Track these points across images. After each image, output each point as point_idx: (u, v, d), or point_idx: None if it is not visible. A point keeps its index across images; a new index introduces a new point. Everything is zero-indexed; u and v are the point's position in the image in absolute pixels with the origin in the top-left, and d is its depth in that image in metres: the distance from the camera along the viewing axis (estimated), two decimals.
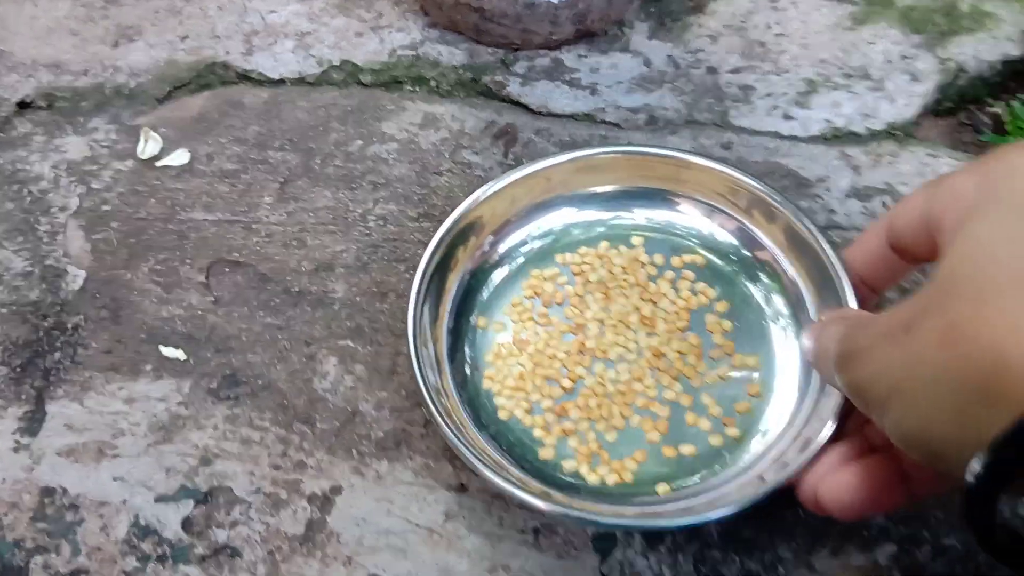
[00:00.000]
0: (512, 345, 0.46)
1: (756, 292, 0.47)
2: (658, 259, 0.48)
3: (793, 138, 0.55)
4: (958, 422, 0.26)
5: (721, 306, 0.47)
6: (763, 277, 0.47)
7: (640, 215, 0.49)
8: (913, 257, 0.36)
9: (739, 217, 0.47)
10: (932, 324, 0.26)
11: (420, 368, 0.41)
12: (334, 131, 0.56)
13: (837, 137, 0.55)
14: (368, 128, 0.56)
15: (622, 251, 0.48)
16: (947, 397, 0.26)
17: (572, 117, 0.56)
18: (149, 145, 0.55)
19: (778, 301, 0.46)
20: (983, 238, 0.27)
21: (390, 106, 0.57)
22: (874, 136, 0.55)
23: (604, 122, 0.56)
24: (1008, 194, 0.27)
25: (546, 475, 0.42)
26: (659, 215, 0.49)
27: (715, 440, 0.43)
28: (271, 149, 0.55)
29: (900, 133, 0.56)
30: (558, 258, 0.48)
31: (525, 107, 0.57)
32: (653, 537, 0.41)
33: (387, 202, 0.53)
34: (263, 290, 0.50)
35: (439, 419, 0.40)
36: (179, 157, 0.55)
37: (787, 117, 0.55)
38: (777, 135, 0.55)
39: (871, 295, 0.41)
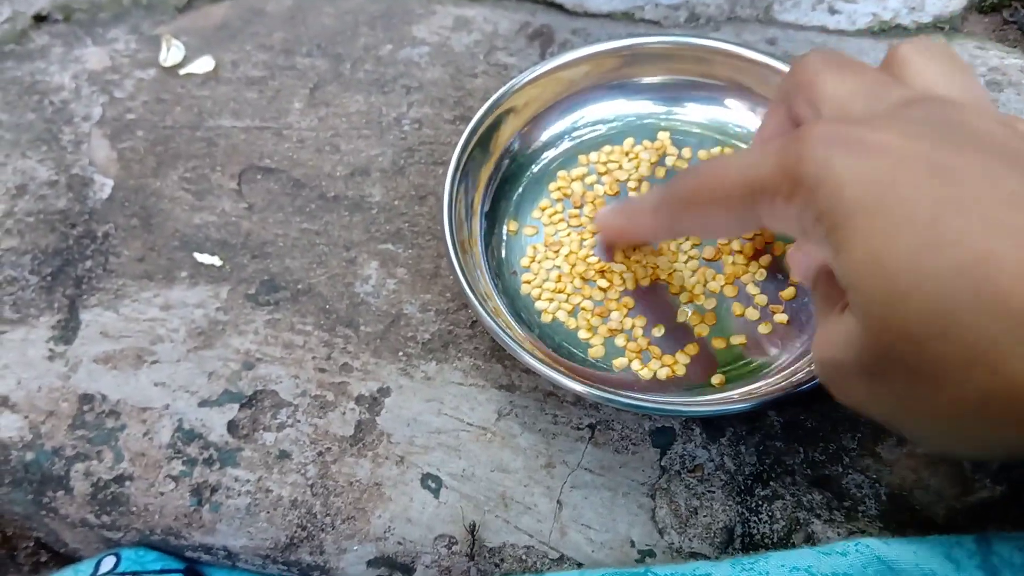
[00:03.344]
0: (545, 248, 0.44)
1: None
2: (686, 153, 0.47)
3: (840, 32, 0.53)
4: (984, 445, 0.25)
5: None
6: None
7: (677, 108, 0.48)
8: None
9: None
10: (896, 372, 0.25)
11: (463, 269, 0.40)
12: (363, 36, 0.54)
13: (884, 31, 0.53)
14: (398, 32, 0.54)
15: (647, 146, 0.47)
16: (950, 430, 0.25)
17: (609, 16, 0.54)
18: (172, 52, 0.53)
19: None
20: (876, 272, 0.24)
21: (419, 10, 0.55)
22: (921, 29, 0.53)
23: (643, 20, 0.54)
24: (861, 218, 0.25)
25: (597, 373, 0.41)
26: (701, 110, 0.48)
27: (764, 328, 0.42)
28: (298, 55, 0.53)
29: (947, 27, 0.54)
30: (582, 158, 0.47)
31: (560, 7, 0.54)
32: (713, 429, 0.40)
33: (421, 105, 0.51)
34: (297, 196, 0.48)
35: (486, 317, 0.38)
36: (203, 64, 0.53)
37: (833, 11, 0.53)
38: (823, 29, 0.53)
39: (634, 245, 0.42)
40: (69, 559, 0.44)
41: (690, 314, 0.42)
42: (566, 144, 0.47)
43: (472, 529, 0.38)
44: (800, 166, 0.26)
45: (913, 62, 0.29)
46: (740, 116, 0.47)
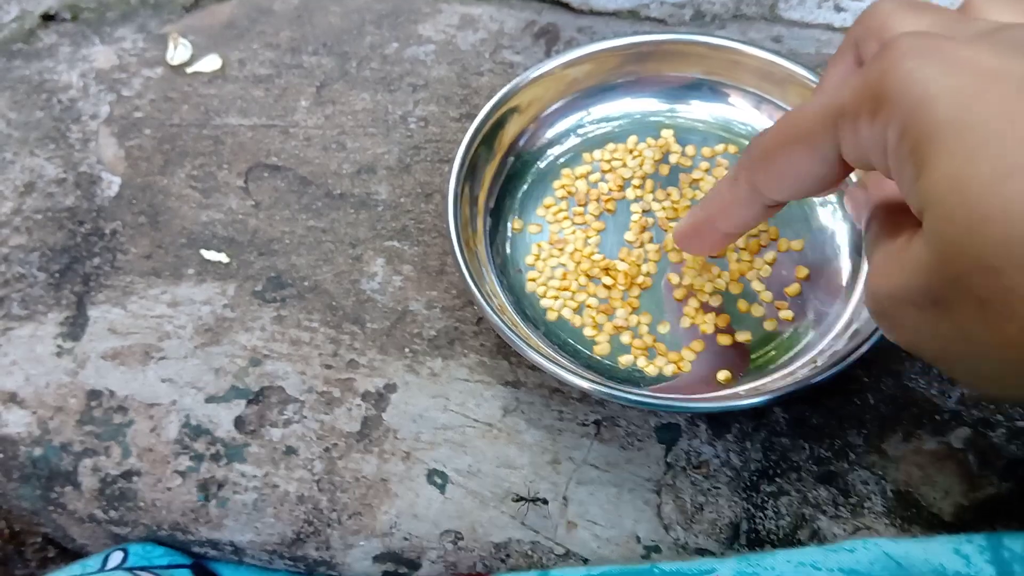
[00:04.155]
0: (550, 246, 0.44)
1: None
2: (689, 150, 0.47)
3: (845, 30, 0.53)
4: None
5: None
6: None
7: (681, 106, 0.48)
8: None
9: (788, 107, 0.46)
10: (964, 302, 0.24)
11: (468, 266, 0.40)
12: (369, 34, 0.54)
13: None
14: (404, 31, 0.54)
15: (651, 144, 0.47)
16: (1014, 367, 0.24)
17: (615, 14, 0.54)
18: (179, 51, 0.53)
19: None
20: (958, 194, 0.23)
21: (425, 8, 0.55)
22: None
23: (649, 18, 0.54)
24: (949, 134, 0.23)
25: (602, 369, 0.41)
26: (705, 108, 0.48)
27: (769, 325, 0.42)
28: (305, 54, 0.54)
29: None
30: (586, 156, 0.47)
31: (566, 5, 0.55)
32: (719, 426, 0.40)
33: (427, 103, 0.51)
34: (304, 193, 0.48)
35: (491, 314, 0.38)
36: (210, 63, 0.53)
37: (839, 8, 0.53)
38: (829, 27, 0.53)
39: (735, 239, 0.39)
40: (76, 555, 0.44)
41: (695, 311, 0.42)
42: (571, 142, 0.47)
43: (528, 498, 0.38)
44: (886, 79, 0.25)
45: (989, 5, 0.28)
46: (745, 114, 0.47)
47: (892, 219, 0.29)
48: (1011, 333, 0.23)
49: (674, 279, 0.43)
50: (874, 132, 0.26)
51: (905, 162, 0.25)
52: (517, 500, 0.39)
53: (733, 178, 0.34)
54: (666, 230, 0.44)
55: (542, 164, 0.47)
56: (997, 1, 0.28)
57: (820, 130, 0.28)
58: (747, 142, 0.46)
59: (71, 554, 0.45)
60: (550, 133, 0.47)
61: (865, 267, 0.42)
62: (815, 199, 0.44)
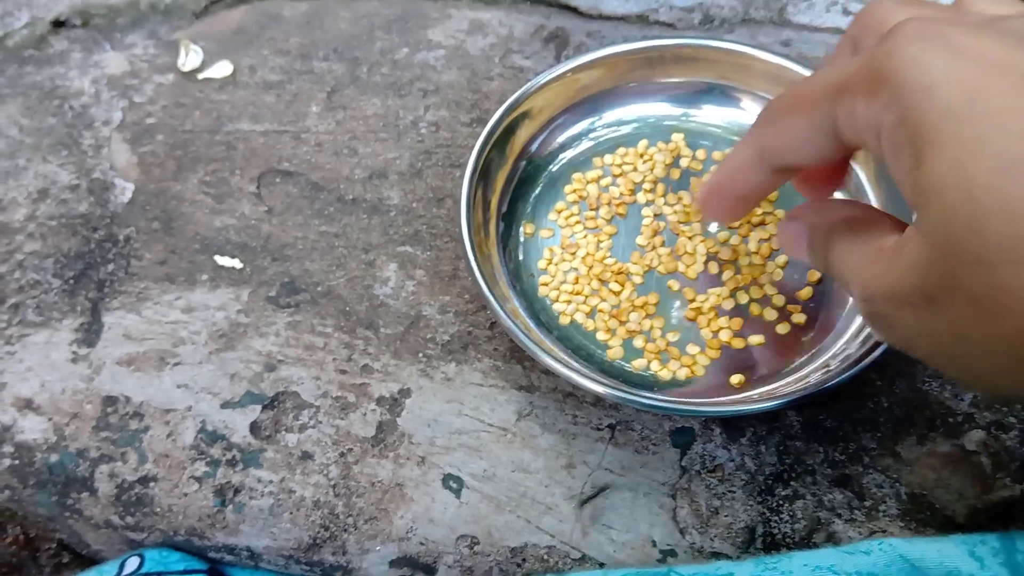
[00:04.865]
0: (562, 250, 0.44)
1: None
2: (700, 154, 0.47)
3: None
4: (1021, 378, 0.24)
5: (771, 195, 0.45)
6: None
7: (693, 110, 0.48)
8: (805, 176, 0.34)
9: None
10: (958, 299, 0.23)
11: (481, 271, 0.40)
12: (379, 40, 0.54)
13: None
14: (414, 36, 0.54)
15: (662, 148, 0.47)
16: (1006, 366, 0.24)
17: (624, 19, 0.54)
18: (190, 57, 0.53)
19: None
20: (958, 187, 0.23)
21: (434, 14, 0.55)
22: None
23: (658, 22, 0.54)
24: (950, 125, 0.23)
25: (616, 374, 0.41)
26: (716, 112, 0.48)
27: (782, 328, 0.42)
28: (315, 59, 0.54)
29: None
30: (596, 161, 0.47)
31: (575, 10, 0.55)
32: (733, 429, 0.40)
33: (438, 108, 0.51)
34: (316, 199, 0.48)
35: (504, 318, 0.39)
36: (221, 69, 0.53)
37: (847, 12, 0.54)
38: (838, 31, 0.53)
39: (752, 204, 0.38)
40: (91, 560, 0.45)
41: (708, 315, 0.42)
42: (583, 146, 0.47)
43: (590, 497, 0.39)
44: (888, 61, 0.24)
45: (982, 2, 0.28)
46: (755, 117, 0.47)
47: (863, 227, 0.29)
48: (1004, 332, 0.23)
49: (674, 286, 0.43)
50: (870, 112, 0.26)
51: (903, 149, 0.24)
52: (583, 503, 0.39)
53: (744, 141, 0.34)
54: (678, 234, 0.45)
55: (554, 169, 0.47)
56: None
57: (821, 100, 0.28)
58: None
59: (86, 560, 0.45)
60: (561, 138, 0.47)
61: None
62: None
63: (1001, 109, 0.22)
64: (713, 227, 0.45)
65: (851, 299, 0.42)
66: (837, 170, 0.35)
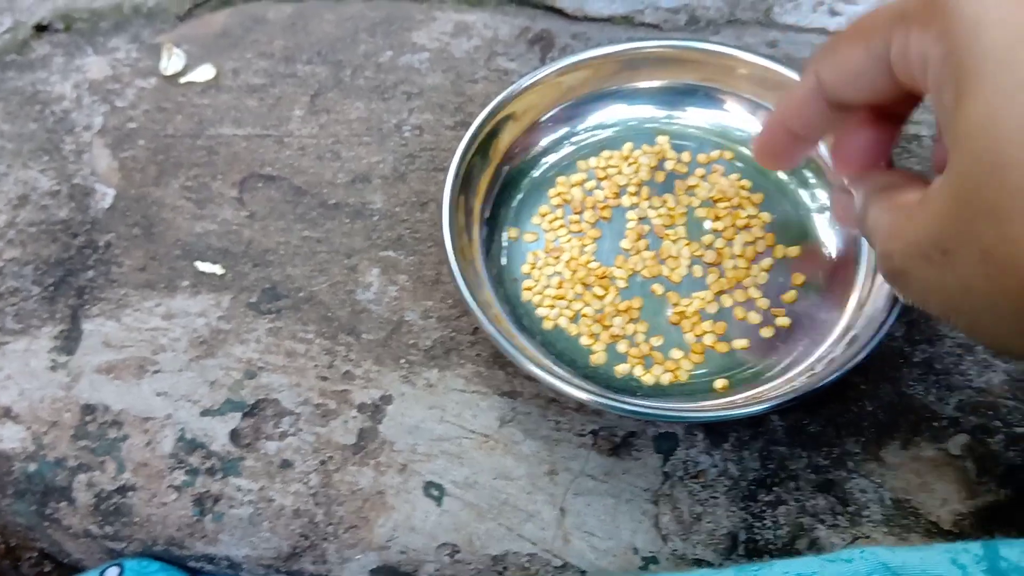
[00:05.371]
0: (546, 254, 0.44)
1: (792, 184, 0.45)
2: (685, 157, 0.46)
3: None
4: None
5: (756, 198, 0.45)
6: (805, 170, 0.45)
7: (677, 112, 0.48)
8: (860, 109, 0.33)
9: None
10: (969, 251, 0.24)
11: (463, 276, 0.40)
12: (363, 43, 0.54)
13: None
14: (398, 39, 0.54)
15: (647, 150, 0.47)
16: (1009, 319, 0.24)
17: (609, 20, 0.54)
18: (172, 61, 0.53)
19: (822, 194, 0.44)
20: (987, 134, 0.22)
21: (419, 16, 0.55)
22: None
23: (643, 24, 0.54)
24: (992, 68, 0.23)
25: (599, 379, 0.41)
26: (701, 114, 0.47)
27: (766, 332, 0.41)
28: (299, 63, 0.53)
29: None
30: (581, 164, 0.47)
31: (560, 12, 0.54)
32: (716, 435, 0.40)
33: (422, 111, 0.51)
34: (299, 203, 0.48)
35: (487, 324, 0.38)
36: (204, 72, 0.53)
37: (833, 13, 0.53)
38: (824, 31, 0.52)
39: (808, 146, 0.37)
40: (73, 569, 0.44)
41: (692, 319, 0.42)
42: (566, 149, 0.47)
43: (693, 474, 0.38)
44: None
45: None
46: (741, 119, 0.47)
47: (896, 190, 0.29)
48: (1009, 284, 0.23)
49: (658, 290, 0.43)
50: (922, 43, 0.25)
51: (946, 85, 0.24)
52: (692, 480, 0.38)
53: (804, 73, 0.33)
54: (662, 237, 0.44)
55: (536, 173, 0.47)
56: None
57: (880, 28, 0.27)
58: (743, 148, 0.46)
59: (67, 568, 0.45)
60: (545, 141, 0.47)
61: (862, 272, 0.41)
62: (811, 208, 0.44)
63: None
64: (707, 224, 0.44)
65: (834, 302, 0.42)
66: (883, 142, 0.34)
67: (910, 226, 0.26)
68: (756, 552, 0.37)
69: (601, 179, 0.46)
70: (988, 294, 0.24)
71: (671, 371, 0.41)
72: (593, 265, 0.44)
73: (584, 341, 0.42)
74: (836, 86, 0.31)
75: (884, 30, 0.27)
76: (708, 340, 0.42)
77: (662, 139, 0.47)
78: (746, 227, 0.44)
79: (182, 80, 0.53)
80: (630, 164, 0.46)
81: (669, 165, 0.46)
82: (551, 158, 0.47)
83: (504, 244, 0.45)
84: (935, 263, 0.25)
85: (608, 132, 0.47)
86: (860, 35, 0.29)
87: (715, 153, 0.46)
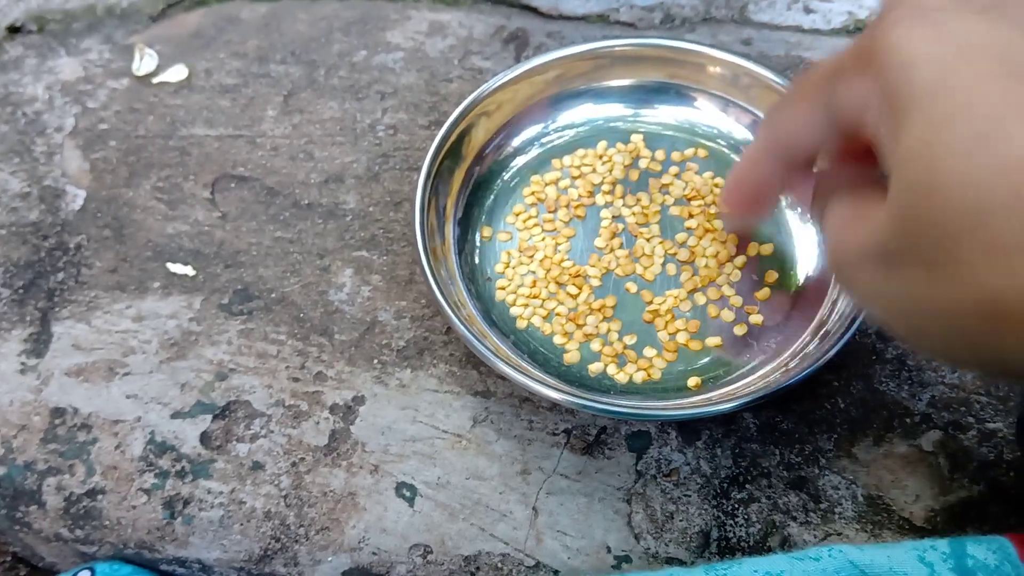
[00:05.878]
0: (519, 253, 0.44)
1: None
2: (659, 155, 0.46)
3: (815, 32, 0.53)
4: (973, 351, 0.25)
5: None
6: None
7: (647, 111, 0.47)
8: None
9: (753, 109, 0.46)
10: (913, 263, 0.25)
11: (435, 276, 0.40)
12: (337, 42, 0.54)
13: (860, 29, 0.53)
14: (372, 38, 0.54)
15: (621, 149, 0.47)
16: (952, 330, 0.25)
17: (584, 19, 0.54)
18: (145, 61, 0.53)
19: None
20: (923, 158, 0.24)
21: (394, 15, 0.55)
22: None
23: (618, 22, 0.53)
24: (923, 100, 0.24)
25: (572, 378, 0.40)
26: (671, 111, 0.47)
27: (740, 330, 0.41)
28: (272, 63, 0.53)
29: None
30: (555, 162, 0.46)
31: (535, 10, 0.54)
32: (689, 432, 0.40)
33: (396, 111, 0.51)
34: (271, 204, 0.48)
35: (458, 324, 0.38)
36: (176, 73, 0.52)
37: (808, 10, 0.53)
38: (798, 29, 0.52)
39: (769, 203, 0.38)
40: (47, 572, 0.44)
41: (666, 317, 0.42)
42: (536, 150, 0.47)
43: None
44: (876, 40, 0.26)
45: None
46: (711, 116, 0.47)
47: (853, 195, 0.30)
48: (951, 294, 0.24)
49: (632, 288, 0.43)
50: (861, 87, 0.27)
51: (884, 120, 0.26)
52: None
53: (757, 132, 0.35)
54: (636, 236, 0.44)
55: (508, 173, 0.46)
56: None
57: (822, 83, 0.29)
58: (714, 145, 0.46)
59: (42, 572, 0.44)
60: (516, 141, 0.47)
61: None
62: (784, 205, 0.44)
63: (971, 88, 0.23)
64: (695, 221, 0.44)
65: (807, 299, 0.42)
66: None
67: (858, 232, 0.27)
68: (728, 550, 0.37)
69: (575, 178, 0.46)
70: (931, 301, 0.24)
71: (644, 369, 0.41)
72: (567, 264, 0.44)
73: (558, 340, 0.42)
74: (788, 141, 0.32)
75: (824, 84, 0.29)
76: (682, 338, 0.41)
77: (636, 138, 0.47)
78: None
79: (154, 81, 0.53)
80: (604, 163, 0.46)
81: (644, 163, 0.46)
82: (523, 158, 0.47)
83: (477, 244, 0.45)
84: (880, 270, 0.26)
85: (580, 131, 0.47)
86: (804, 92, 0.31)
87: (689, 151, 0.46)
